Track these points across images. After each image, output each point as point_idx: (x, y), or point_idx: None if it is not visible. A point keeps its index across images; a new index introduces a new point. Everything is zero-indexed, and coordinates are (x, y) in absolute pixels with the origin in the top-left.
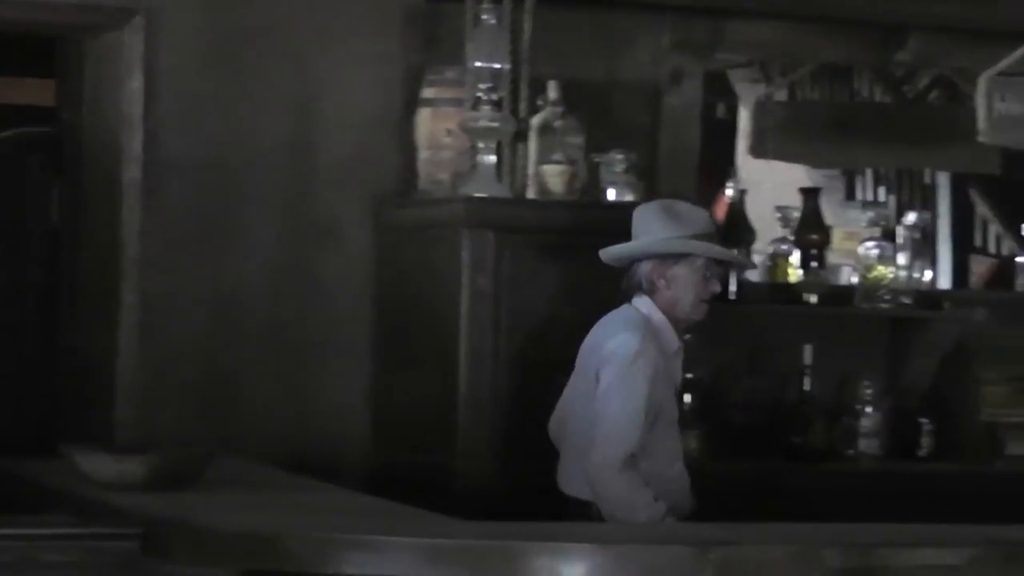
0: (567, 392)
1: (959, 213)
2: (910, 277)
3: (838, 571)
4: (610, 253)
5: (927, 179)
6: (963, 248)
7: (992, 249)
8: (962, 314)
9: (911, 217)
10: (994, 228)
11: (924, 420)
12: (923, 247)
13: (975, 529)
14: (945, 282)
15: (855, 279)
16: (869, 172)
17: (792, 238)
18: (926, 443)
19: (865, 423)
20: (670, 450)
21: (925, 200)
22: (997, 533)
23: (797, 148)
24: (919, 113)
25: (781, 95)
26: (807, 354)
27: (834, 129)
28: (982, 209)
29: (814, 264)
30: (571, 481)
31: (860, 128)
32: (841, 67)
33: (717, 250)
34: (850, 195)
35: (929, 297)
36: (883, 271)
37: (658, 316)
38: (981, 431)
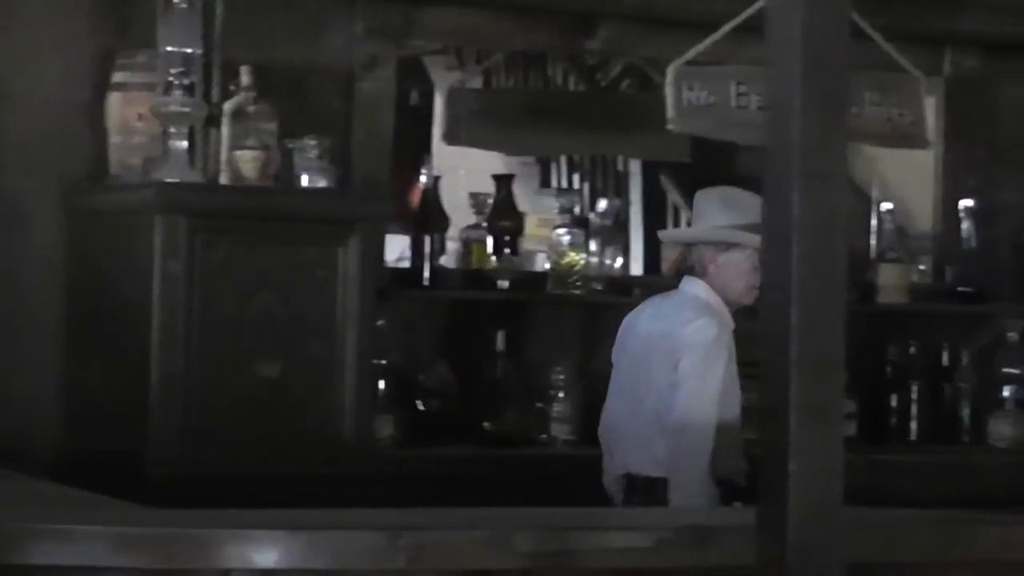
0: (619, 389)
1: (651, 200)
2: (602, 263)
3: (530, 555)
4: (667, 236)
5: (620, 166)
6: (655, 235)
7: None
8: None
9: (603, 204)
10: (685, 215)
11: None
12: (615, 234)
13: (664, 513)
14: (637, 268)
15: (548, 265)
16: (563, 159)
17: (485, 224)
18: None
19: (558, 408)
20: (737, 421)
21: (618, 187)
22: (686, 517)
23: (491, 135)
24: (611, 101)
25: (476, 82)
26: (500, 340)
27: (528, 116)
28: (673, 196)
29: (507, 250)
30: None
31: (554, 115)
32: (535, 55)
33: None
34: (545, 182)
35: (621, 283)
36: (575, 257)
37: (715, 298)
38: None
